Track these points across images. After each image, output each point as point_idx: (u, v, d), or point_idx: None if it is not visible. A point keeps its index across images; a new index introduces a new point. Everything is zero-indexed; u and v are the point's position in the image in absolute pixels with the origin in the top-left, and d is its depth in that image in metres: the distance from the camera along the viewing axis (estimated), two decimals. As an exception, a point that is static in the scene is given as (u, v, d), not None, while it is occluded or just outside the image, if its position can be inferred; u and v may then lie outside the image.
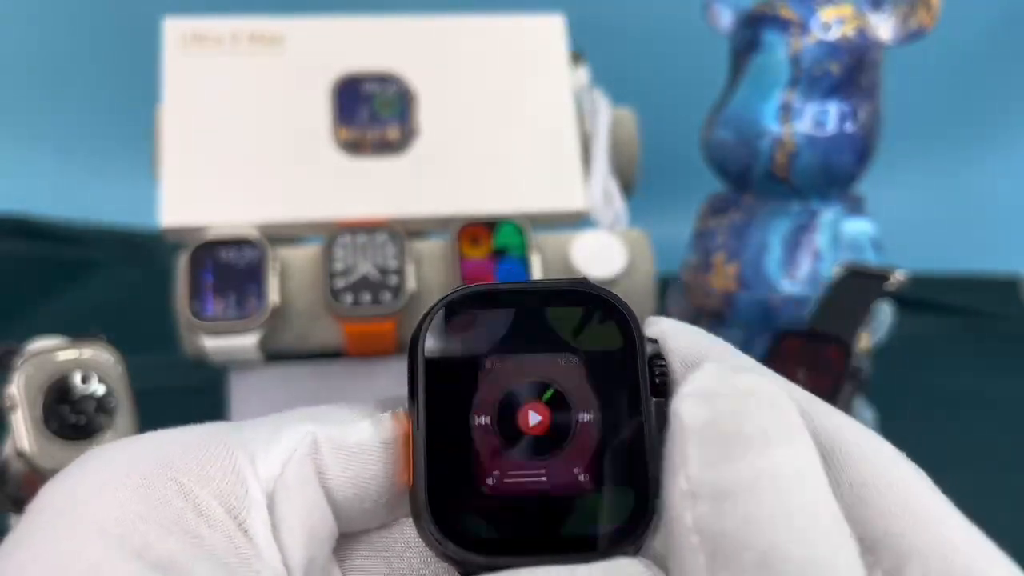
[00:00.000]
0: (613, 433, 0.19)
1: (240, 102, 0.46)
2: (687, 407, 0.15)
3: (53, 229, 0.75)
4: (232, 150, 0.46)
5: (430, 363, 0.19)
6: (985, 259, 0.78)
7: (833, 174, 0.50)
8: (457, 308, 0.19)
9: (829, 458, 0.16)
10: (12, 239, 0.74)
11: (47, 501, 0.17)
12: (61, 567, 0.15)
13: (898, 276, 0.46)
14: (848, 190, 0.52)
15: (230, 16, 0.48)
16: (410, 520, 0.19)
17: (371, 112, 0.47)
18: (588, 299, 0.20)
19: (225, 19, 0.48)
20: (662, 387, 0.19)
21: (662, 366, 0.19)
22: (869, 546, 0.15)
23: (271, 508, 0.17)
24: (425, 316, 0.19)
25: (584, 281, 0.20)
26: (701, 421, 0.15)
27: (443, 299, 0.20)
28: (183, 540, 0.16)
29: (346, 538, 0.19)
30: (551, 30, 0.50)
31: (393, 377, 0.47)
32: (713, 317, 0.54)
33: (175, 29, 0.47)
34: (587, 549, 0.18)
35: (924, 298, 0.68)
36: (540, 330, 0.19)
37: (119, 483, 0.17)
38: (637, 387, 0.19)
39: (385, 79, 0.48)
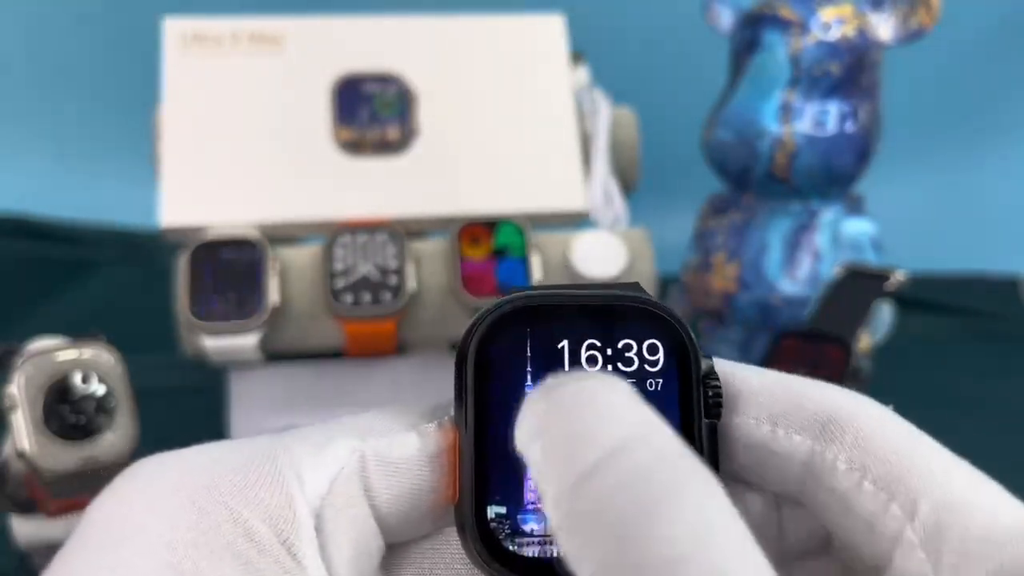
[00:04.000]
0: None
1: (240, 102, 0.46)
2: (520, 444, 0.16)
3: (53, 229, 0.75)
4: (232, 150, 0.46)
5: (479, 373, 0.19)
6: (985, 259, 0.78)
7: (833, 174, 0.50)
8: (508, 317, 0.19)
9: (831, 424, 0.18)
10: (12, 239, 0.74)
11: (98, 521, 0.17)
12: None
13: (898, 276, 0.46)
14: (848, 190, 0.52)
15: (230, 16, 0.48)
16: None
17: (371, 112, 0.47)
18: (644, 313, 0.19)
19: (225, 19, 0.48)
20: (715, 407, 0.19)
21: (716, 386, 0.19)
22: (883, 486, 0.17)
23: (318, 527, 0.17)
24: (474, 324, 0.19)
25: (637, 286, 0.19)
26: (542, 450, 0.15)
27: (494, 307, 0.19)
28: (234, 566, 0.16)
29: (395, 548, 0.19)
30: (551, 30, 0.50)
31: (393, 377, 0.47)
32: (713, 317, 0.54)
33: (175, 29, 0.47)
34: None
35: (924, 298, 0.68)
36: (593, 341, 0.19)
37: (170, 505, 0.17)
38: (689, 405, 0.19)
39: (385, 79, 0.48)
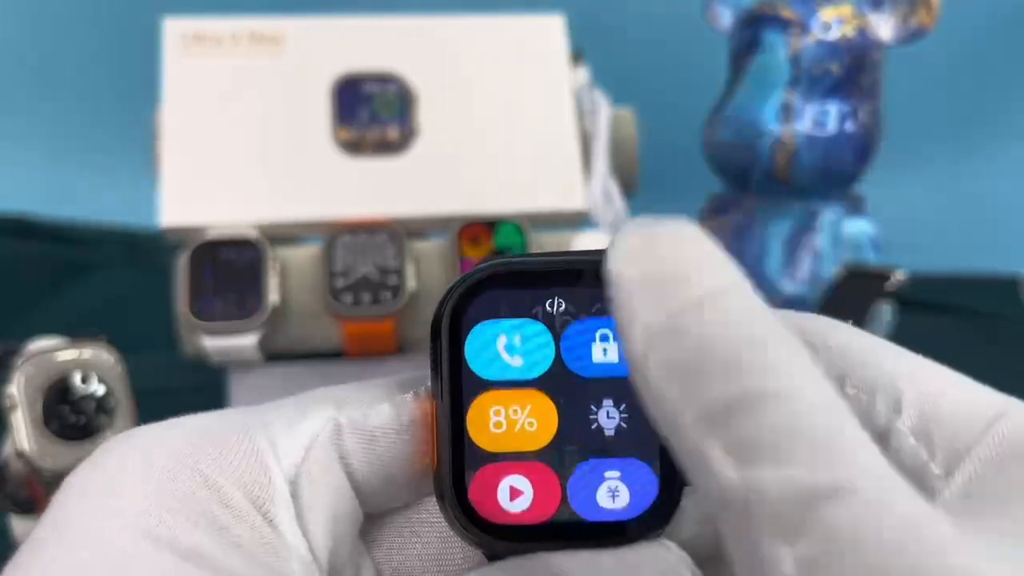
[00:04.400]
0: (639, 417, 0.18)
1: (240, 102, 0.46)
2: (620, 266, 0.16)
3: (53, 229, 0.75)
4: (232, 150, 0.46)
5: (453, 342, 0.19)
6: (985, 259, 0.78)
7: (833, 174, 0.50)
8: (481, 284, 0.19)
9: (809, 335, 0.19)
10: (12, 239, 0.74)
11: (72, 493, 0.17)
12: (94, 559, 0.16)
13: (898, 276, 0.46)
14: (848, 190, 0.52)
15: (230, 16, 0.48)
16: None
17: (371, 112, 0.47)
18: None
19: (225, 19, 0.48)
20: None
21: None
22: (865, 388, 0.18)
23: (295, 495, 0.17)
24: (448, 293, 0.19)
25: (604, 253, 0.20)
26: (637, 275, 0.16)
27: (467, 275, 0.19)
28: (210, 532, 0.16)
29: (373, 518, 0.19)
30: (551, 30, 0.50)
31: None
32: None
33: (175, 29, 0.47)
34: (613, 535, 0.18)
35: (924, 298, 0.68)
36: (565, 306, 0.19)
37: (144, 474, 0.17)
38: None
39: (385, 79, 0.48)
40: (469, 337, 0.19)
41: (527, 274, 0.19)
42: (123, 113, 0.66)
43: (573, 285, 0.19)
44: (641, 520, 0.18)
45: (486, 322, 0.19)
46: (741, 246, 0.52)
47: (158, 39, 0.47)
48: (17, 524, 0.37)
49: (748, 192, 0.52)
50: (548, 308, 0.19)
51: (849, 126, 0.49)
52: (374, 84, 0.47)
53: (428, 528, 0.19)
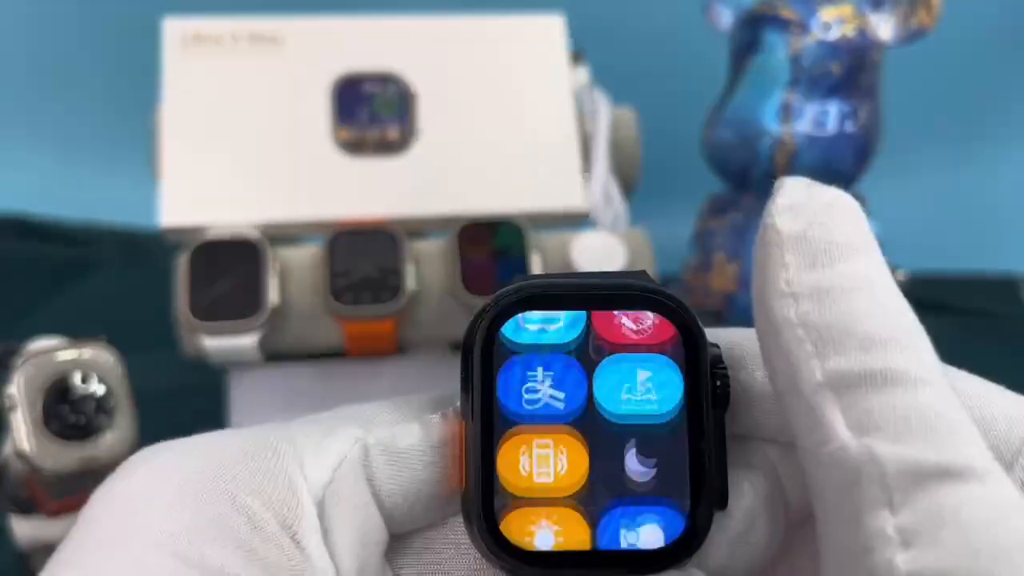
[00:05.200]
0: (671, 444, 0.18)
1: (240, 102, 0.46)
2: (782, 219, 0.17)
3: (53, 229, 0.75)
4: (232, 150, 0.46)
5: (485, 364, 0.18)
6: (985, 259, 0.77)
7: (833, 174, 0.50)
8: (514, 306, 0.19)
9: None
10: (12, 239, 0.74)
11: (101, 511, 0.17)
12: None
13: (898, 276, 0.46)
14: (849, 190, 0.52)
15: (230, 16, 0.48)
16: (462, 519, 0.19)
17: (371, 112, 0.47)
18: (650, 301, 0.19)
19: (225, 19, 0.48)
20: (723, 397, 0.18)
21: (724, 375, 0.19)
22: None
23: (321, 516, 0.17)
24: (480, 312, 0.19)
25: (643, 275, 0.19)
26: (796, 231, 0.17)
27: (501, 295, 0.19)
28: (238, 554, 0.16)
29: (399, 538, 0.19)
30: (551, 30, 0.50)
31: (393, 377, 0.47)
32: (713, 317, 0.54)
33: (175, 29, 0.47)
34: (641, 563, 0.18)
35: (924, 298, 0.68)
36: (600, 337, 0.19)
37: (173, 494, 0.17)
38: (697, 394, 0.18)
39: (385, 79, 0.48)
40: (503, 367, 0.18)
41: (564, 297, 0.19)
42: (123, 113, 0.66)
43: (611, 308, 0.19)
44: (669, 549, 0.18)
45: (518, 356, 0.18)
46: (741, 246, 0.52)
47: (158, 39, 0.47)
48: (17, 524, 0.37)
49: (748, 192, 0.52)
50: (583, 338, 0.19)
51: (849, 126, 0.49)
52: (374, 84, 0.47)
53: (453, 549, 0.19)
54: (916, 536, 0.14)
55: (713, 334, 0.19)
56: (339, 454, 0.18)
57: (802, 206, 0.17)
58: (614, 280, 0.19)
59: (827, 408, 0.15)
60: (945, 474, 0.14)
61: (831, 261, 0.16)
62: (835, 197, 0.17)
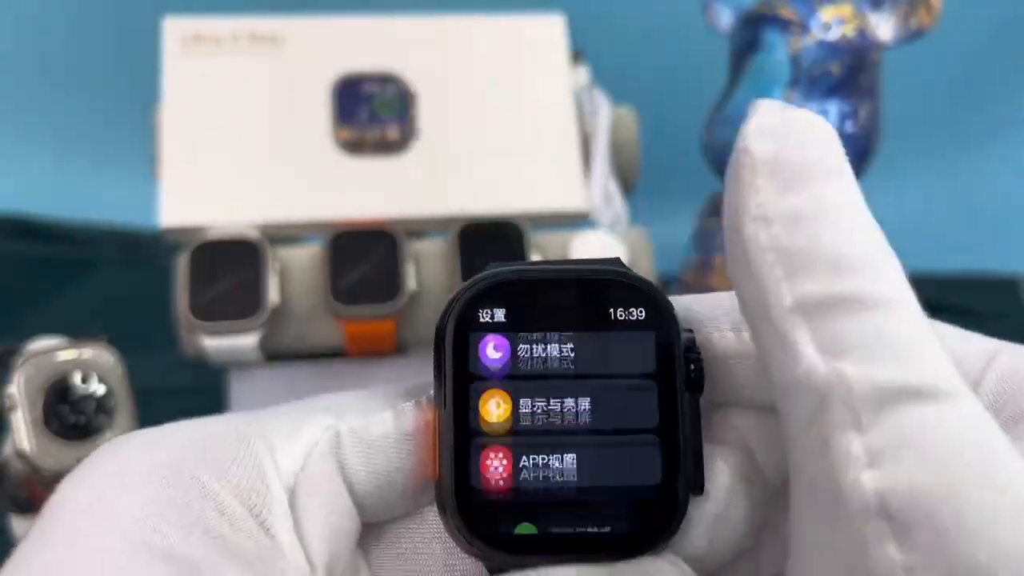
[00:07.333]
0: (645, 428, 0.18)
1: (240, 102, 0.46)
2: (755, 142, 0.17)
3: (53, 229, 0.75)
4: (232, 150, 0.46)
5: (457, 351, 0.18)
6: (985, 259, 0.78)
7: (833, 174, 0.50)
8: (484, 294, 0.19)
9: None
10: (12, 239, 0.74)
11: (67, 499, 0.17)
12: (88, 568, 0.15)
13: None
14: (848, 190, 0.52)
15: (230, 16, 0.48)
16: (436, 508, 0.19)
17: (371, 112, 0.47)
18: (622, 286, 0.19)
19: (225, 19, 0.48)
20: (697, 381, 0.18)
21: (697, 359, 0.19)
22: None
23: (292, 504, 0.17)
24: (452, 301, 0.19)
25: (617, 261, 0.19)
26: (768, 154, 0.17)
27: (472, 283, 0.19)
28: (206, 541, 0.16)
29: (372, 528, 0.19)
30: (551, 30, 0.50)
31: (393, 377, 0.47)
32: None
33: (175, 29, 0.47)
34: (617, 549, 0.18)
35: (924, 298, 0.68)
36: (572, 316, 0.19)
37: (140, 482, 0.17)
38: (671, 378, 0.18)
39: (385, 79, 0.48)
40: (474, 349, 0.18)
41: (535, 283, 0.19)
42: (123, 113, 0.66)
43: (582, 295, 0.19)
44: (646, 534, 0.18)
45: (491, 334, 0.18)
46: (741, 246, 0.52)
47: (158, 39, 0.47)
48: (17, 524, 0.37)
49: (748, 192, 0.52)
50: (555, 319, 0.19)
51: (849, 126, 0.49)
52: (374, 84, 0.47)
53: (428, 538, 0.19)
54: (883, 455, 0.14)
55: (678, 301, 0.19)
56: (310, 441, 0.18)
57: (775, 129, 0.17)
58: (587, 267, 0.19)
59: (796, 332, 0.15)
60: (913, 394, 0.14)
61: (803, 185, 0.16)
62: (808, 120, 0.17)
